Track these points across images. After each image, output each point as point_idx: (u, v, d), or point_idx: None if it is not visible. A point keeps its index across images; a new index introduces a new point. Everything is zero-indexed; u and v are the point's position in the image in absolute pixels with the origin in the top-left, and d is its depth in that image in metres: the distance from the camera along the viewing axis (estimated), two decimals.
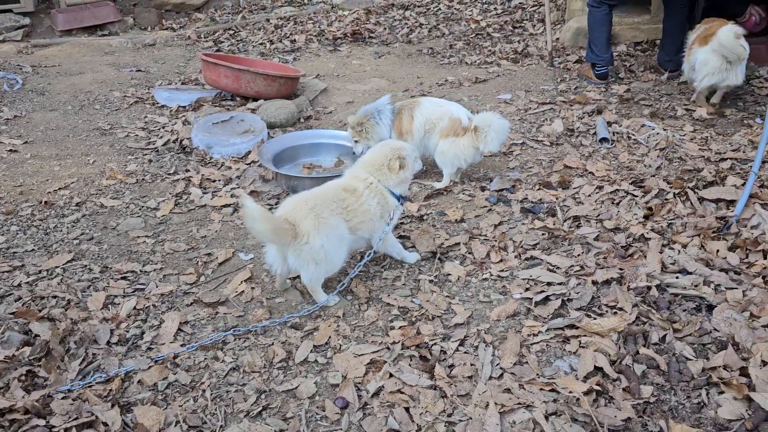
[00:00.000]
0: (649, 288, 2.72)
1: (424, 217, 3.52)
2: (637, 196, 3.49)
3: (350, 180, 2.92)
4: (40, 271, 3.15)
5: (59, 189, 4.00)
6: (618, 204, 3.45)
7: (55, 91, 5.79)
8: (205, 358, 2.53)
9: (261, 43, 7.28)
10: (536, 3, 8.16)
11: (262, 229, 2.61)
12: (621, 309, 2.61)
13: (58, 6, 7.76)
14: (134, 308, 2.84)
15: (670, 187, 3.50)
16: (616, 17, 6.53)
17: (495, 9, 8.19)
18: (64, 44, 7.25)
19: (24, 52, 6.99)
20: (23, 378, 2.39)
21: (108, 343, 2.61)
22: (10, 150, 4.58)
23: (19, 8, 7.51)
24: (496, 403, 2.19)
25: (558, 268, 2.95)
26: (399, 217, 3.11)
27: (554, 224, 3.32)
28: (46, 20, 7.82)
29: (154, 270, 3.15)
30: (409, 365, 2.43)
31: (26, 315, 2.74)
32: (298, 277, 2.89)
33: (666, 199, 3.41)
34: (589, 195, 3.58)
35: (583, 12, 6.58)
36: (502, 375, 2.35)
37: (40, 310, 2.80)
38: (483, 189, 3.80)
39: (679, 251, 2.96)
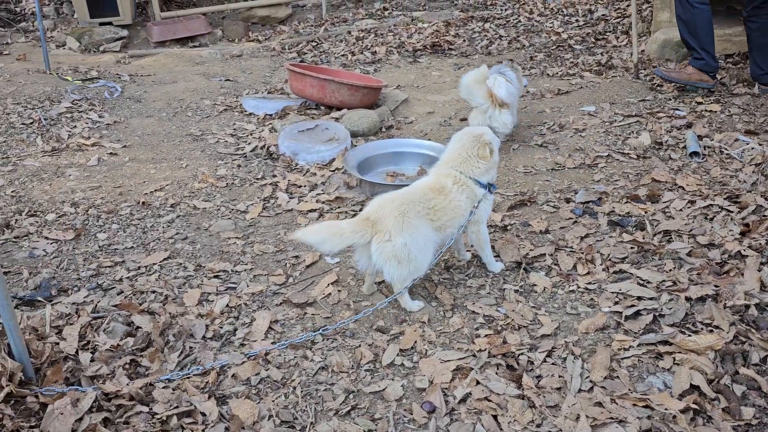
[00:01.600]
0: (747, 307, 2.62)
1: (508, 227, 3.51)
2: (732, 212, 3.36)
3: (437, 178, 2.93)
4: (139, 267, 3.33)
5: (155, 191, 4.22)
6: (712, 219, 3.34)
7: (150, 99, 6.11)
8: (295, 357, 2.61)
9: (343, 55, 7.45)
10: (620, 15, 8.00)
11: (335, 242, 2.67)
12: (717, 327, 2.53)
13: (154, 19, 8.21)
14: (227, 306, 2.96)
15: None
16: None
17: (576, 21, 8.08)
18: (159, 55, 7.65)
19: (122, 62, 7.41)
20: (127, 366, 2.53)
21: (203, 337, 2.74)
22: (111, 153, 4.87)
23: (118, 21, 7.99)
24: (587, 416, 2.16)
25: (649, 282, 2.88)
26: (491, 207, 3.10)
27: (644, 238, 3.24)
28: (142, 32, 8.28)
29: (245, 270, 3.27)
30: (496, 374, 2.43)
31: (129, 308, 2.90)
32: (384, 281, 2.94)
33: (764, 216, 3.27)
34: (680, 209, 3.47)
35: (671, 23, 6.40)
36: (592, 388, 2.32)
37: (140, 304, 2.96)
38: (568, 201, 3.75)
39: None
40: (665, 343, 2.48)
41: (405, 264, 2.72)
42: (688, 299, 2.72)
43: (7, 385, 2.16)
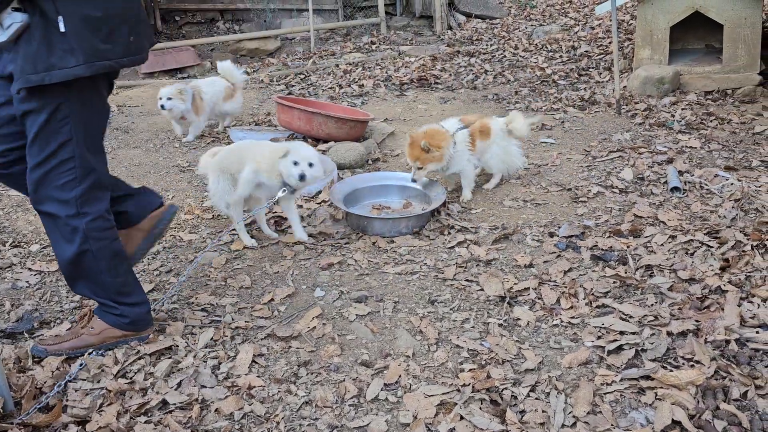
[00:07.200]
0: (727, 342, 2.65)
1: (492, 261, 3.54)
2: (712, 247, 3.42)
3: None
4: None
5: None
6: (692, 254, 3.39)
7: (138, 130, 6.14)
8: (279, 391, 2.59)
9: (330, 87, 7.54)
10: (602, 52, 8.19)
11: None
12: (698, 362, 2.55)
13: None
14: (211, 339, 2.95)
15: (748, 239, 3.42)
16: (686, 66, 6.49)
17: (560, 57, 8.26)
18: (147, 86, 7.71)
19: (111, 93, 7.44)
20: (109, 400, 2.50)
21: (189, 371, 2.71)
22: None
23: None
24: None
25: (631, 317, 2.91)
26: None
27: (626, 273, 3.28)
28: None
29: (230, 303, 3.26)
30: (480, 408, 2.44)
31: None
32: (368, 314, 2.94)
33: (743, 251, 3.33)
34: (662, 244, 3.53)
35: (652, 60, 6.57)
36: (575, 424, 2.32)
37: None
38: (551, 235, 3.80)
39: (758, 305, 2.88)
40: (647, 378, 2.50)
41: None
42: (669, 334, 2.75)
43: None
